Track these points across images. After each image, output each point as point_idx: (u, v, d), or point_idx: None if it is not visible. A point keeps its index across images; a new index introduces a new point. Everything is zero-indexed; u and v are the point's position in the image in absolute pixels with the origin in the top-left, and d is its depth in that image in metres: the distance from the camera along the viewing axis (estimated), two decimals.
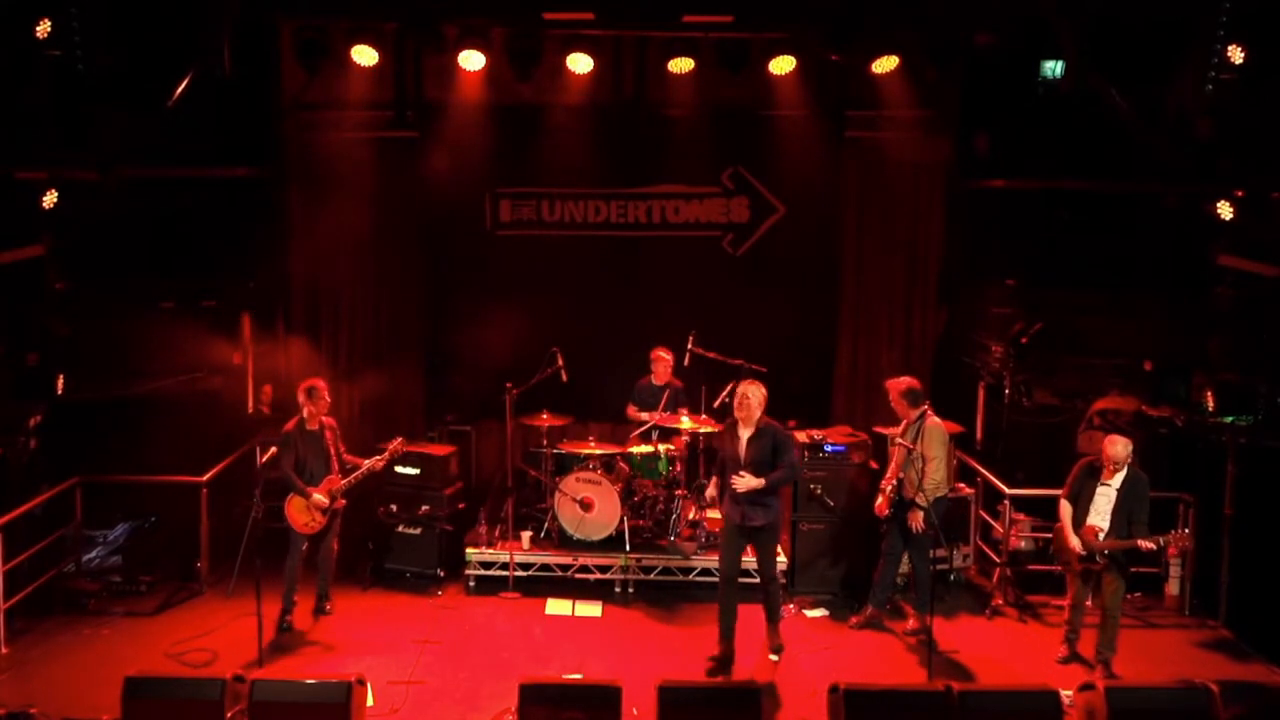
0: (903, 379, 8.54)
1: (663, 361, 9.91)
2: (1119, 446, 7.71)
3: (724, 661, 7.90)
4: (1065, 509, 7.94)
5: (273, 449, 8.23)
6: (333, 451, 8.44)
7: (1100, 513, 7.73)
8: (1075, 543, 7.80)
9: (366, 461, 8.49)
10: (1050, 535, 8.45)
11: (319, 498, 8.31)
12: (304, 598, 8.62)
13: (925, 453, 8.15)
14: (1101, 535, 7.70)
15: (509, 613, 8.84)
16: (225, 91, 9.43)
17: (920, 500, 8.05)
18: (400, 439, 8.66)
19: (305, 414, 8.39)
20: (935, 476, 8.11)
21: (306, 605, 8.67)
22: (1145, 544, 7.56)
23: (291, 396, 8.97)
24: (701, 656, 8.02)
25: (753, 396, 7.89)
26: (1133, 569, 8.90)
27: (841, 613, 8.86)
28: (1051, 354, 9.90)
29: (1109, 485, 7.73)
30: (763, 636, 8.38)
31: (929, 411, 8.35)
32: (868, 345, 11.16)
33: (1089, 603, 8.05)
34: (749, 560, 8.27)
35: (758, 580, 8.13)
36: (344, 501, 8.51)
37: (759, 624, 8.62)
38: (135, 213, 9.48)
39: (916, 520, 8.13)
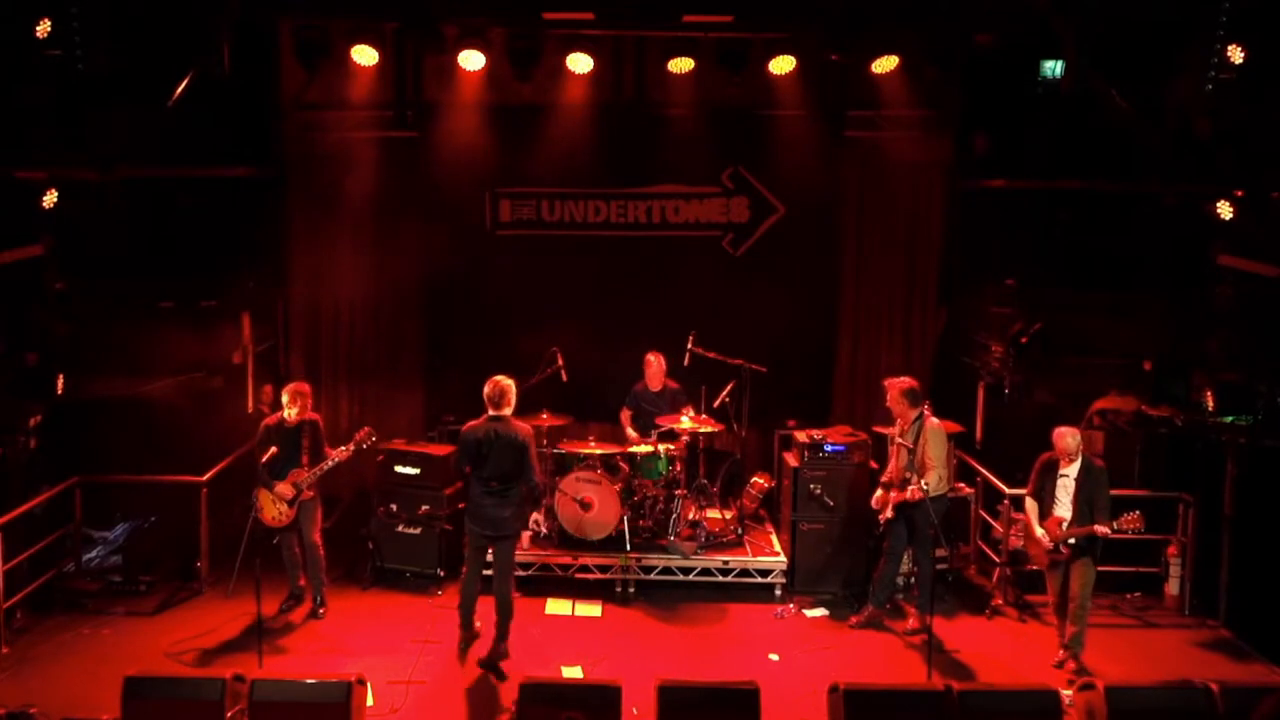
0: (903, 378, 8.54)
1: (651, 366, 9.89)
2: (1068, 439, 7.82)
3: (467, 644, 8.07)
4: (1030, 506, 8.02)
5: (273, 449, 8.26)
6: (306, 444, 8.43)
7: (1062, 503, 7.82)
8: (1040, 533, 7.87)
9: (334, 453, 8.46)
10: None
11: (282, 489, 8.35)
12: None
13: (925, 459, 8.16)
14: (1065, 525, 7.75)
15: None
16: (225, 91, 9.43)
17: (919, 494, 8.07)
18: (367, 429, 8.56)
19: (285, 413, 8.42)
20: (931, 481, 8.12)
21: (306, 604, 8.70)
22: (1100, 529, 7.60)
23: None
24: (702, 656, 8.02)
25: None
26: (1134, 569, 8.98)
27: (841, 613, 8.85)
28: (1051, 354, 9.89)
29: (1067, 475, 7.82)
30: (762, 637, 8.39)
31: (928, 412, 8.35)
32: (868, 345, 11.17)
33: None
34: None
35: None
36: (311, 493, 8.50)
37: (759, 624, 8.64)
38: (135, 213, 9.48)
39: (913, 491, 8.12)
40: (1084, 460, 7.81)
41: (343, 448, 8.45)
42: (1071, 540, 7.72)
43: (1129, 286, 9.58)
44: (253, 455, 8.54)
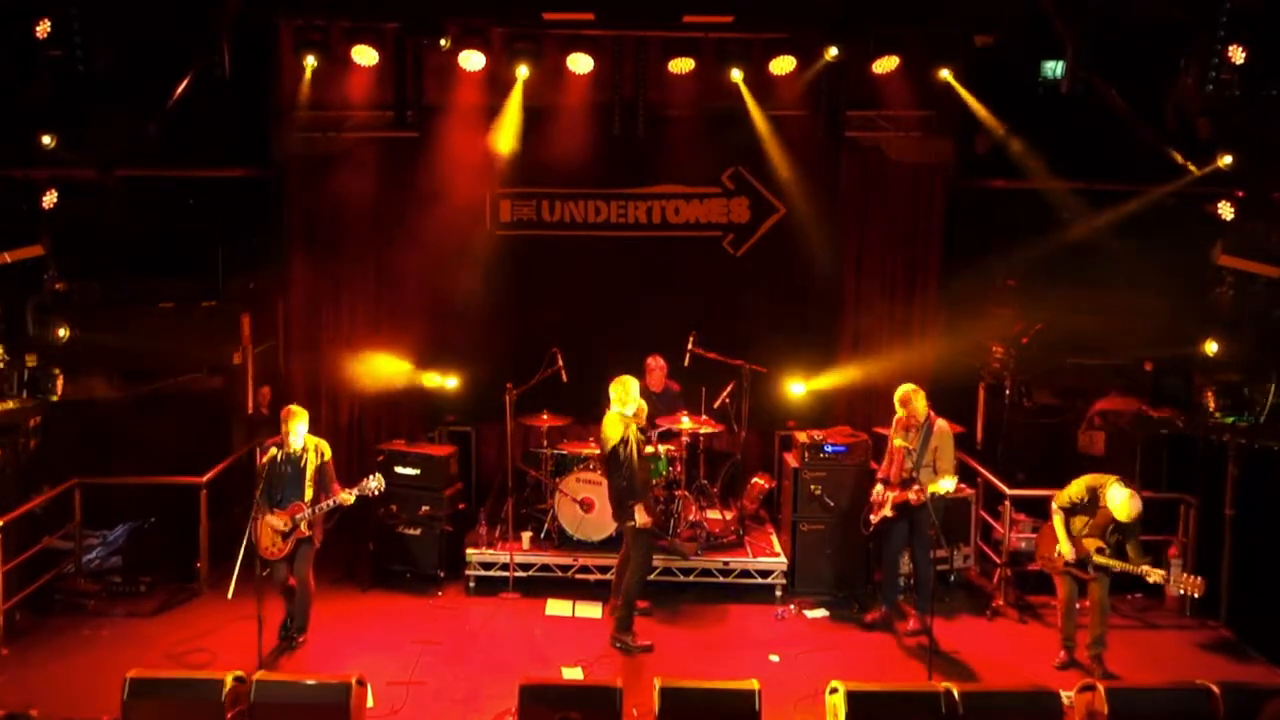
0: (912, 385, 8.49)
1: (652, 370, 9.88)
2: (1137, 501, 7.59)
3: None
4: (1060, 519, 7.95)
5: (272, 449, 8.18)
6: (307, 478, 7.98)
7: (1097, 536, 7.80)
8: (1068, 550, 7.82)
9: (338, 494, 8.00)
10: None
11: (274, 520, 7.93)
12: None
13: (939, 464, 8.17)
14: (1104, 551, 7.71)
15: (509, 613, 8.84)
16: (225, 91, 9.42)
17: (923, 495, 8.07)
18: (378, 475, 8.09)
19: (289, 441, 8.00)
20: (948, 487, 8.12)
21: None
22: (1156, 579, 7.54)
23: (290, 398, 8.98)
24: (702, 657, 8.02)
25: None
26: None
27: (842, 613, 8.85)
28: (1052, 354, 9.88)
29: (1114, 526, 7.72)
30: (763, 637, 8.39)
31: (934, 414, 8.36)
32: (868, 345, 11.16)
33: (1080, 604, 8.04)
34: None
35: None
36: (307, 532, 7.97)
37: (759, 625, 8.65)
38: (135, 213, 9.49)
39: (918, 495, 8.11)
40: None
41: (348, 491, 7.98)
42: (1102, 565, 7.70)
43: (1129, 286, 9.58)
44: (255, 478, 8.21)
